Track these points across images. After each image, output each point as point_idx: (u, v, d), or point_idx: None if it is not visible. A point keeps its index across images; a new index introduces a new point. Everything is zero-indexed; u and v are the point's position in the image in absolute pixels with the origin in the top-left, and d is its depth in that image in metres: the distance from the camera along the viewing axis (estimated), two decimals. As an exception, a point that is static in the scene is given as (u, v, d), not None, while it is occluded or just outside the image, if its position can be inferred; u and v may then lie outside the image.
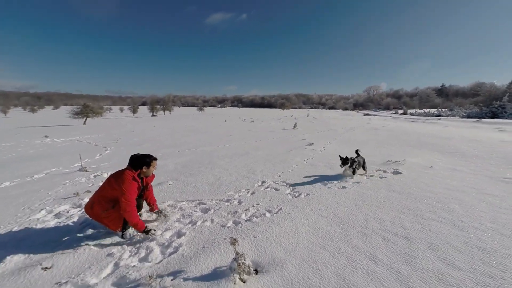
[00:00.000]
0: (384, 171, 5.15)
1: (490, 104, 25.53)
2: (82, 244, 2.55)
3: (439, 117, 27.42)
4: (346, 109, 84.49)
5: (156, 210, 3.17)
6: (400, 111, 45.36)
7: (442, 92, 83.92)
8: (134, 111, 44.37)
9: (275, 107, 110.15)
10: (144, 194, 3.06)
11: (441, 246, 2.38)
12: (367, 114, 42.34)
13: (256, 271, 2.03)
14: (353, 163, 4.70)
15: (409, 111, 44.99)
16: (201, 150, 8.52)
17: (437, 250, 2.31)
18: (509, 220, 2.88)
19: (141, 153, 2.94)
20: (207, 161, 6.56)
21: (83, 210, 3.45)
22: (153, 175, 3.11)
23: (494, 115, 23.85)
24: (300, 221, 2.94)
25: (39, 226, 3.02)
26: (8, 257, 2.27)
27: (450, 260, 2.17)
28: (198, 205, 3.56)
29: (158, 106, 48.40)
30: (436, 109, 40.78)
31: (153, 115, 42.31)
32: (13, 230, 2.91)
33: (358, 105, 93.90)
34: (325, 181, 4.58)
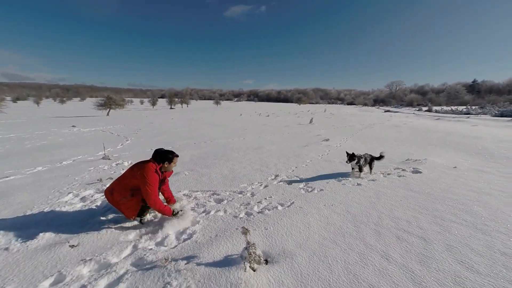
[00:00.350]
0: (403, 170, 4.96)
1: (528, 102, 23.32)
2: (104, 226, 2.74)
3: (468, 115, 25.59)
4: (365, 105, 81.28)
5: (172, 203, 3.26)
6: (424, 108, 42.86)
7: (473, 88, 77.89)
8: (153, 103, 45.85)
9: (291, 101, 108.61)
10: (161, 188, 3.15)
11: (460, 249, 2.27)
12: (388, 111, 40.44)
13: (266, 261, 2.07)
14: (359, 160, 4.56)
15: (435, 108, 42.42)
16: (216, 142, 8.67)
17: (456, 253, 2.22)
18: (540, 226, 2.68)
19: (159, 145, 3.06)
20: (221, 154, 6.68)
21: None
22: (172, 171, 3.22)
23: (532, 114, 21.83)
24: (312, 216, 2.94)
25: (67, 208, 3.28)
26: (41, 234, 2.50)
27: (469, 263, 2.07)
28: (212, 196, 3.66)
29: (176, 99, 49.57)
30: (465, 107, 38.06)
31: (171, 108, 43.51)
32: (45, 210, 3.19)
33: (378, 101, 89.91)
34: (340, 178, 4.50)
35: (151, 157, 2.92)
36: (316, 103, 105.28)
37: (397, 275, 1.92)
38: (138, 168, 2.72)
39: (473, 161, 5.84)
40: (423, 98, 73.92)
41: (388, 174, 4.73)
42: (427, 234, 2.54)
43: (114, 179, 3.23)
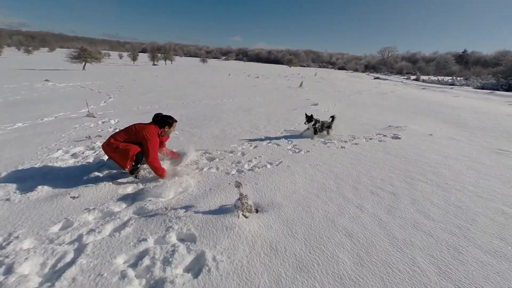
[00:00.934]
0: (384, 135, 5.29)
1: (509, 76, 24.15)
2: (101, 181, 2.85)
3: (452, 86, 26.30)
4: (356, 70, 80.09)
5: (176, 156, 3.42)
6: (413, 77, 43.18)
7: (462, 59, 78.23)
8: (134, 58, 42.26)
9: (282, 63, 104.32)
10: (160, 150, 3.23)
11: (422, 202, 2.67)
12: (377, 78, 40.40)
13: (257, 211, 2.34)
14: (316, 123, 4.85)
15: (422, 77, 42.79)
16: (205, 103, 8.52)
17: (418, 205, 2.60)
18: (490, 186, 3.13)
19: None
20: (211, 115, 6.66)
21: (98, 151, 3.72)
22: (168, 137, 3.27)
23: (510, 88, 22.81)
24: (298, 173, 3.21)
25: (59, 163, 3.30)
26: (39, 187, 2.58)
27: (427, 213, 2.47)
28: (204, 154, 3.81)
29: (159, 55, 45.85)
30: (450, 77, 38.74)
31: (154, 64, 40.47)
32: (36, 166, 3.20)
33: (369, 67, 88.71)
34: (326, 141, 4.76)
35: (151, 120, 2.98)
36: (307, 66, 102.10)
37: (367, 221, 2.27)
38: (141, 128, 2.80)
39: (448, 129, 6.30)
40: (413, 66, 73.76)
41: (370, 139, 5.05)
42: (396, 190, 2.91)
43: (104, 137, 3.23)
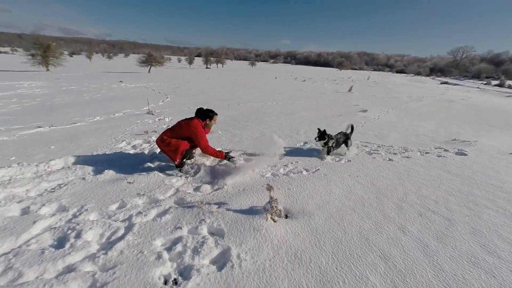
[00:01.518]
0: (445, 150, 4.59)
1: None
2: (152, 170, 3.25)
3: (553, 94, 21.00)
4: (419, 74, 70.92)
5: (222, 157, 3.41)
6: (495, 82, 35.99)
7: None
8: (190, 62, 46.54)
9: (331, 66, 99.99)
10: None
11: (486, 234, 2.23)
12: (445, 83, 34.98)
13: (286, 216, 2.33)
14: (329, 140, 3.87)
15: (508, 82, 35.31)
16: (250, 105, 8.81)
17: (480, 236, 2.19)
18: None
19: (197, 104, 3.36)
20: (254, 117, 6.85)
21: (152, 145, 4.24)
22: (209, 129, 3.55)
23: None
24: (335, 183, 3.06)
25: (122, 152, 3.90)
26: (106, 171, 3.10)
27: (491, 248, 2.06)
28: (242, 155, 3.96)
29: (212, 59, 49.32)
30: (551, 83, 30.97)
31: (207, 67, 43.77)
32: (106, 153, 3.85)
33: (436, 71, 77.40)
34: (371, 151, 4.40)
35: (194, 115, 3.31)
36: (360, 69, 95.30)
37: (409, 245, 2.03)
38: (186, 123, 3.16)
39: (538, 148, 5.08)
40: (496, 69, 61.31)
41: (427, 152, 4.45)
42: (453, 215, 2.50)
43: (158, 133, 3.67)
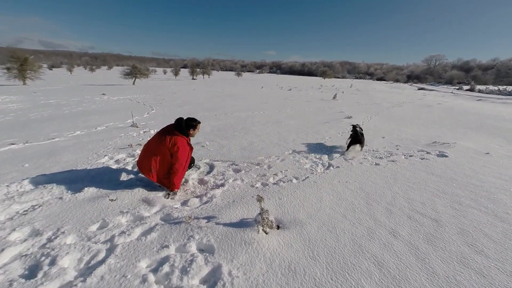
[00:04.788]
0: (427, 153, 4.76)
1: None
2: (136, 186, 3.09)
3: (517, 97, 22.74)
4: (397, 81, 74.78)
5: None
6: (466, 87, 38.57)
7: (530, 65, 67.29)
8: (176, 73, 46.24)
9: (315, 75, 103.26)
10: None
11: (472, 233, 2.29)
12: (422, 88, 37.03)
13: (278, 227, 2.28)
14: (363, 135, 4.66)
15: (478, 87, 37.94)
16: (237, 115, 8.80)
17: (467, 236, 2.24)
18: None
19: (182, 115, 3.20)
20: (241, 127, 6.83)
21: (137, 158, 4.07)
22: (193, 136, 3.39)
23: None
24: (325, 190, 3.05)
25: (104, 168, 3.70)
26: (86, 188, 2.91)
27: (479, 247, 2.10)
28: (230, 166, 3.89)
29: (198, 70, 49.38)
30: (515, 87, 33.58)
31: (193, 78, 43.66)
32: (87, 168, 3.64)
33: (413, 77, 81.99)
34: (358, 156, 4.47)
35: (175, 129, 2.95)
36: (343, 78, 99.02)
37: (401, 250, 2.03)
38: (170, 140, 2.84)
39: (510, 147, 5.40)
40: (466, 75, 65.98)
41: (410, 156, 4.59)
42: (440, 216, 2.56)
43: (142, 145, 3.49)
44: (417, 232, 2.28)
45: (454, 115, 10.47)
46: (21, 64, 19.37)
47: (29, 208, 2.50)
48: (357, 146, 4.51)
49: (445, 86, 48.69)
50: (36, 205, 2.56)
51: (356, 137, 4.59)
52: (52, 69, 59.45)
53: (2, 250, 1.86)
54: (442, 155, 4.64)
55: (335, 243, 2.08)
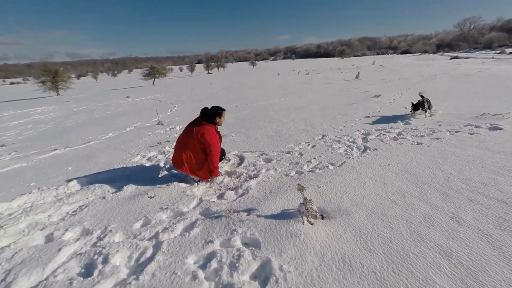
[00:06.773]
0: (476, 126, 4.24)
1: None
2: (171, 182, 3.12)
3: None
4: (425, 52, 68.36)
5: None
6: (510, 50, 34.08)
7: None
8: (191, 70, 46.85)
9: (333, 56, 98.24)
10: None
11: (555, 214, 1.95)
12: (456, 57, 33.39)
13: (322, 217, 2.14)
14: (423, 105, 5.10)
15: (524, 48, 33.25)
16: (257, 104, 8.63)
17: (549, 218, 1.91)
18: None
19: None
20: (263, 115, 6.67)
21: (167, 155, 4.12)
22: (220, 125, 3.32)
23: None
24: (366, 175, 2.82)
25: (138, 166, 3.81)
26: (125, 187, 3.00)
27: None
28: (260, 156, 3.78)
29: (212, 64, 49.49)
30: None
31: (208, 73, 43.92)
32: (123, 168, 3.77)
33: (443, 46, 74.17)
34: (396, 136, 4.12)
35: (202, 119, 2.97)
36: (363, 55, 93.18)
37: (470, 237, 1.78)
38: (198, 131, 2.86)
39: None
40: (508, 36, 58.18)
41: (457, 131, 4.11)
42: (509, 197, 2.22)
43: (172, 142, 3.51)
44: (484, 217, 2.00)
45: (499, 82, 9.27)
46: (53, 76, 20.92)
47: (77, 209, 2.64)
48: (420, 111, 5.12)
49: (483, 51, 43.53)
50: (83, 205, 2.69)
51: (417, 103, 5.14)
52: (79, 78, 63.52)
53: (59, 249, 1.96)
54: (495, 127, 4.10)
55: (390, 232, 1.89)
